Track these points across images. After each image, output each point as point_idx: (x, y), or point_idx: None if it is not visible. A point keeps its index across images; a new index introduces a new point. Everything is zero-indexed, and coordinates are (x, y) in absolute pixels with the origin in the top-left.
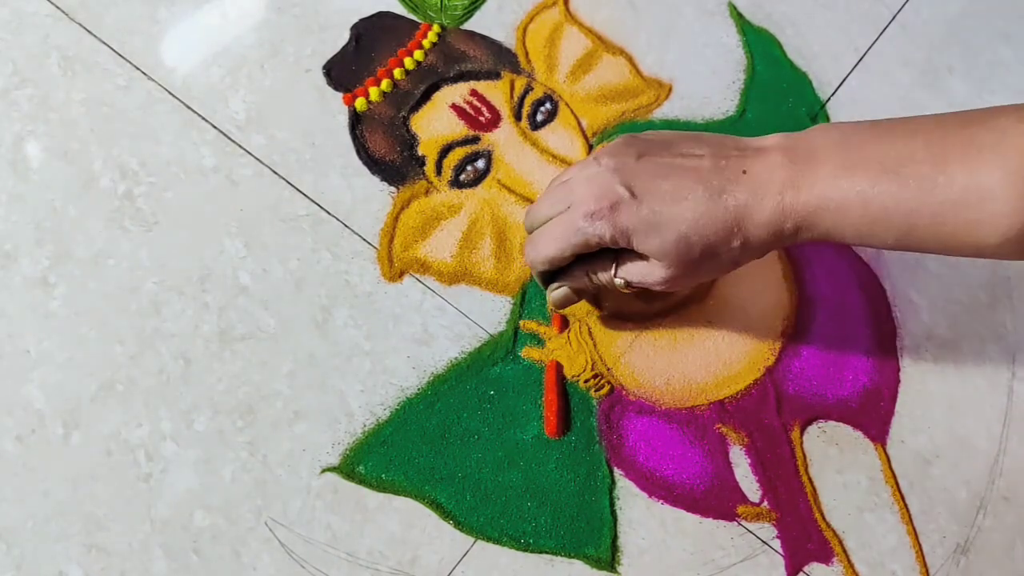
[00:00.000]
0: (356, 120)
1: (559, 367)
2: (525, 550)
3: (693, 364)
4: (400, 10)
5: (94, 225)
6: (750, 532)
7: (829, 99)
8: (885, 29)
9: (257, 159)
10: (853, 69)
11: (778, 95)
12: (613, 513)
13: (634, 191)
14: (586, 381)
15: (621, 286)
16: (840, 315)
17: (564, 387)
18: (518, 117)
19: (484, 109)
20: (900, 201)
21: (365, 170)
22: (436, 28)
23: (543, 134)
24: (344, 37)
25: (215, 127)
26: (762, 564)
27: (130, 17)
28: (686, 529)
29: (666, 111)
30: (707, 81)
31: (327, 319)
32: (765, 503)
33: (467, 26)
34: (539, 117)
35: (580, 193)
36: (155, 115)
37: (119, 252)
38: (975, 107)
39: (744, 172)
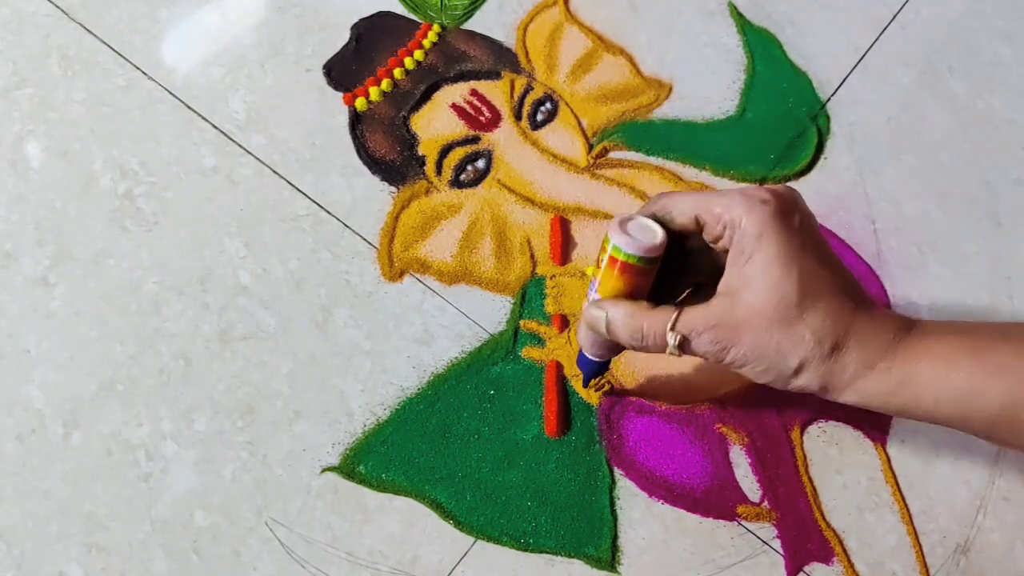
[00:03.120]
0: (356, 120)
1: (559, 367)
2: (525, 550)
3: (693, 364)
4: (400, 10)
5: (94, 225)
6: (750, 532)
7: (829, 99)
8: (885, 29)
9: (257, 159)
10: (853, 69)
11: (778, 95)
12: (613, 513)
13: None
14: None
15: (673, 347)
16: None
17: (564, 387)
18: (518, 117)
19: (484, 109)
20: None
21: (365, 170)
22: (436, 28)
23: (543, 134)
24: (344, 37)
25: (215, 127)
26: (762, 564)
27: (130, 17)
28: (686, 529)
29: (666, 111)
30: (707, 81)
31: (327, 319)
32: (765, 503)
33: (467, 26)
34: (539, 117)
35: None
36: (155, 115)
37: (119, 252)
38: (975, 107)
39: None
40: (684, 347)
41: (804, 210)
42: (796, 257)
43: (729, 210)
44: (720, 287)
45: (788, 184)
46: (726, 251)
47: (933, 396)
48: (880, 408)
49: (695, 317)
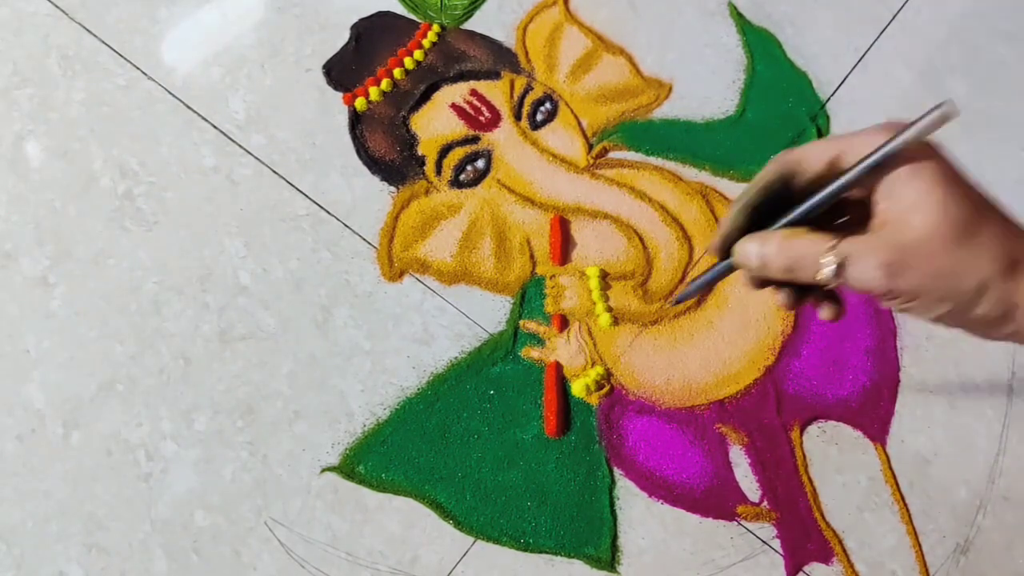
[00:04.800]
0: (356, 120)
1: (559, 367)
2: (525, 550)
3: (693, 364)
4: (400, 10)
5: (94, 225)
6: (750, 532)
7: (829, 99)
8: (885, 29)
9: (257, 159)
10: (853, 69)
11: (778, 95)
12: (613, 513)
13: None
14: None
15: (829, 272)
16: None
17: (564, 387)
18: (518, 117)
19: (484, 109)
20: None
21: (365, 170)
22: (436, 28)
23: (543, 134)
24: (344, 37)
25: (215, 127)
26: (762, 564)
27: (130, 17)
28: (686, 529)
29: (666, 111)
30: (707, 81)
31: (327, 319)
32: (765, 503)
33: (467, 26)
34: (539, 117)
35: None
36: (155, 115)
37: (119, 252)
38: (975, 107)
39: None
40: (841, 272)
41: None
42: (955, 178)
43: (873, 142)
44: (877, 220)
45: None
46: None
47: None
48: None
49: (858, 242)
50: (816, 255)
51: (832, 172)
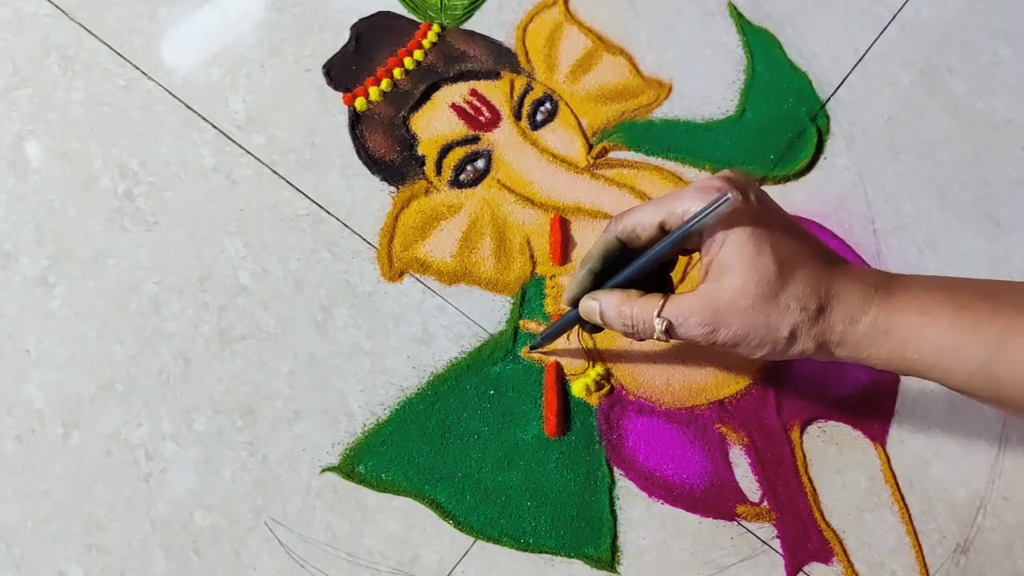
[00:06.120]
0: (356, 120)
1: (559, 367)
2: (525, 550)
3: (693, 364)
4: (400, 10)
5: (94, 225)
6: (750, 532)
7: (829, 99)
8: (885, 29)
9: (257, 159)
10: (853, 69)
11: (778, 95)
12: (613, 513)
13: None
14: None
15: (660, 332)
16: None
17: (564, 387)
18: (518, 117)
19: (484, 109)
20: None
21: (365, 170)
22: (436, 28)
23: (543, 134)
24: (344, 37)
25: (215, 127)
26: (762, 564)
27: (130, 17)
28: (686, 529)
29: (666, 111)
30: (707, 81)
31: (327, 319)
32: (765, 503)
33: (467, 26)
34: (539, 117)
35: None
36: (155, 115)
37: (119, 252)
38: (975, 107)
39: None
40: (671, 332)
41: (756, 188)
42: (764, 233)
43: (690, 207)
44: (705, 273)
45: (740, 170)
46: (698, 247)
47: (916, 347)
48: (871, 360)
49: (681, 303)
50: (649, 319)
51: (661, 235)
